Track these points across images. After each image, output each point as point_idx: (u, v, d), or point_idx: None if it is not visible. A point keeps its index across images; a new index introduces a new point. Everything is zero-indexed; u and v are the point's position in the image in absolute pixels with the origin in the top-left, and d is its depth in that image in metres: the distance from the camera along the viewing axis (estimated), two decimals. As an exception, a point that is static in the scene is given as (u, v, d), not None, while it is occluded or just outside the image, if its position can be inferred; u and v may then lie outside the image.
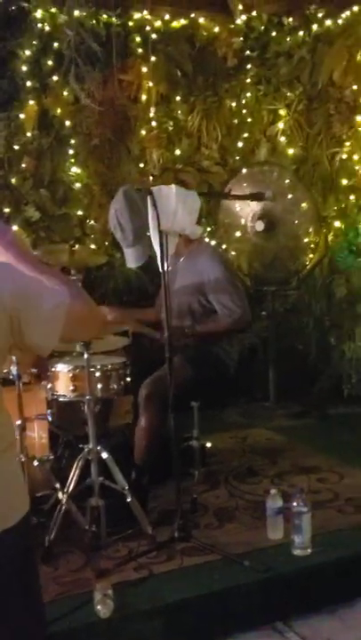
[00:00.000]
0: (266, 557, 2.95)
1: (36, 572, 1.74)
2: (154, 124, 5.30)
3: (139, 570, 2.93)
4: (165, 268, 2.94)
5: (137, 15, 5.25)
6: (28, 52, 4.80)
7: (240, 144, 5.59)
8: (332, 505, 3.49)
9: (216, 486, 3.79)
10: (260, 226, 5.19)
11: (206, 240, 5.03)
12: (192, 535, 3.06)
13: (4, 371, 3.32)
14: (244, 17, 5.58)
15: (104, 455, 3.18)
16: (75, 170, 5.06)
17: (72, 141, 5.03)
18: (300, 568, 2.90)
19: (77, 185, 5.06)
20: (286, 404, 5.25)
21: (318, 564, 2.92)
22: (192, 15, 5.46)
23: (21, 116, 4.84)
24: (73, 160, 5.05)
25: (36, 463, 3.29)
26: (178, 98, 5.39)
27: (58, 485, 3.24)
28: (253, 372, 5.45)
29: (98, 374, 3.31)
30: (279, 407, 5.23)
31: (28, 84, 4.82)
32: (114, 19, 5.15)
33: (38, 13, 4.87)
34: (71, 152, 5.03)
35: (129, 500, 3.14)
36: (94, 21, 5.08)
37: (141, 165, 5.29)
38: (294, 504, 2.99)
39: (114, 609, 2.59)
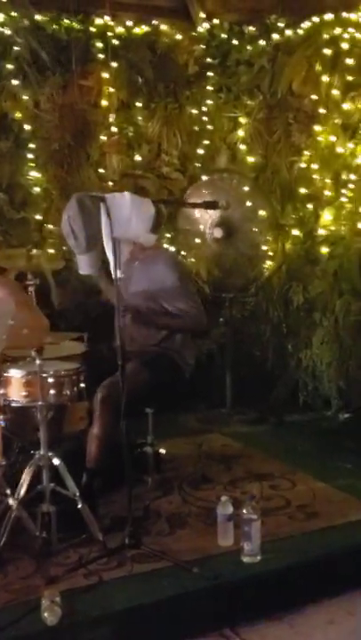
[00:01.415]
0: (215, 564, 2.96)
1: None
2: (114, 129, 5.30)
3: (89, 577, 2.91)
4: (118, 275, 2.94)
5: (99, 21, 5.25)
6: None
7: (200, 151, 5.63)
8: (284, 512, 3.52)
9: (169, 492, 3.79)
10: (218, 233, 5.22)
11: (165, 246, 5.06)
12: (142, 542, 3.06)
13: None
14: (205, 25, 5.62)
15: (55, 461, 3.17)
16: (34, 174, 5.03)
17: (31, 145, 5.01)
18: (249, 575, 2.91)
19: (36, 189, 5.04)
20: (243, 410, 5.28)
21: (267, 571, 2.94)
22: (154, 22, 5.49)
23: (-20, 119, 4.80)
24: (32, 164, 5.03)
25: (-15, 469, 3.25)
26: (138, 104, 5.40)
27: (8, 491, 3.21)
28: (211, 378, 5.47)
29: (51, 380, 3.29)
30: (236, 413, 5.26)
31: (-14, 86, 4.79)
32: (75, 24, 5.15)
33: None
34: (30, 156, 5.01)
35: (80, 506, 3.12)
36: (56, 26, 5.07)
37: (101, 171, 5.29)
38: (244, 511, 3.01)
39: (61, 616, 2.58)
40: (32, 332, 1.76)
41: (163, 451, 4.01)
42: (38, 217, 5.01)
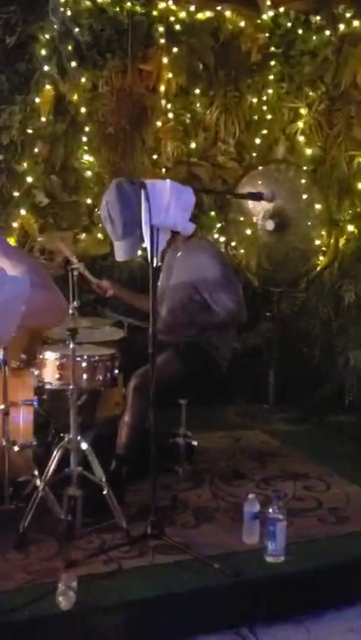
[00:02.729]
0: (237, 561, 2.91)
1: None
2: (171, 115, 5.25)
3: (108, 563, 2.90)
4: (155, 263, 2.91)
5: (162, 5, 5.20)
6: (47, 37, 4.76)
7: (258, 141, 5.52)
8: (314, 514, 3.43)
9: (200, 485, 3.74)
10: (270, 225, 5.12)
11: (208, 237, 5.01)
12: (165, 533, 3.03)
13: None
14: (271, 13, 5.49)
15: (83, 446, 3.16)
16: (87, 157, 5.03)
17: (86, 129, 5.01)
18: (271, 575, 2.85)
19: (89, 173, 5.03)
20: (285, 408, 5.18)
21: (290, 573, 2.87)
22: (218, 8, 5.39)
23: (37, 100, 4.81)
24: (86, 147, 5.03)
25: (16, 449, 3.27)
26: (197, 91, 5.33)
27: (36, 472, 3.23)
28: (255, 373, 5.40)
29: (84, 364, 3.28)
30: (278, 410, 5.17)
31: (46, 68, 4.78)
32: (137, 7, 5.10)
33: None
34: (85, 139, 5.01)
35: (105, 491, 3.11)
36: (117, 9, 5.04)
37: (155, 157, 5.25)
38: (270, 510, 2.94)
39: (75, 601, 2.57)
40: (48, 313, 1.72)
41: (195, 442, 3.96)
42: (89, 201, 5.00)
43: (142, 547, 3.01)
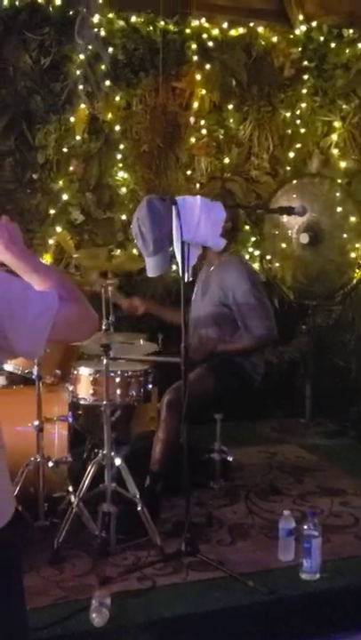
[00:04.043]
0: (272, 579, 2.89)
1: (19, 588, 1.69)
2: (204, 131, 5.27)
3: (142, 580, 2.90)
4: (186, 279, 2.92)
5: (195, 22, 5.24)
6: (82, 57, 4.83)
7: (292, 154, 5.51)
8: (351, 530, 3.38)
9: (235, 501, 3.72)
10: (304, 238, 5.10)
11: (242, 253, 5.01)
12: (200, 550, 3.02)
13: (27, 370, 3.37)
14: (303, 27, 5.50)
15: (117, 462, 3.17)
16: (121, 175, 5.08)
17: (121, 146, 5.05)
18: (306, 593, 2.82)
19: (123, 190, 5.07)
20: (322, 422, 5.13)
21: (325, 591, 2.83)
22: (251, 24, 5.42)
23: (72, 119, 4.88)
24: (120, 165, 5.07)
25: (51, 465, 3.30)
26: (230, 106, 5.34)
27: (71, 488, 3.25)
28: (291, 387, 5.37)
29: (118, 380, 3.30)
30: (315, 424, 5.12)
31: (80, 87, 4.85)
32: (170, 25, 5.16)
33: (95, 18, 4.90)
34: (119, 157, 5.05)
35: (139, 508, 3.11)
36: (150, 28, 5.10)
37: (189, 173, 5.27)
38: (305, 527, 2.91)
39: (109, 619, 2.57)
40: (77, 326, 1.72)
41: (230, 458, 3.94)
42: (123, 217, 5.04)
43: (177, 564, 3.01)
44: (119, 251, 4.91)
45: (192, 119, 5.23)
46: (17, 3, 4.67)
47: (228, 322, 3.65)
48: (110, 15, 4.99)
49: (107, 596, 2.66)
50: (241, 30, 5.39)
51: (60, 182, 4.89)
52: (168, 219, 2.95)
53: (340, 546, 3.19)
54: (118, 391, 3.30)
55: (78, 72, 4.85)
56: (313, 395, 5.20)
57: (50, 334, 1.59)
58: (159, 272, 3.26)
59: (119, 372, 3.30)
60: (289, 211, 3.24)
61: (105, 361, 3.12)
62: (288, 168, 5.51)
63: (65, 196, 4.90)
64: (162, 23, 5.12)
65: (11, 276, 1.63)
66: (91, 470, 3.17)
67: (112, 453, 3.18)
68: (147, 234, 3.11)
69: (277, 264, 5.40)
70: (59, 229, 4.91)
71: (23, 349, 1.61)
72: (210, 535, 3.32)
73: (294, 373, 5.42)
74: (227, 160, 5.37)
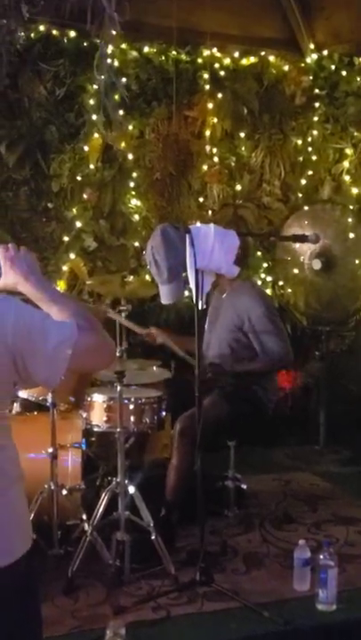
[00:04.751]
0: (288, 610, 2.85)
1: (37, 616, 1.69)
2: (216, 159, 5.32)
3: (157, 610, 2.88)
4: (200, 306, 2.93)
5: (206, 52, 5.31)
6: (95, 87, 4.90)
7: (303, 181, 5.55)
8: (367, 560, 3.35)
9: (250, 530, 3.69)
10: (316, 264, 5.11)
11: (254, 279, 5.03)
12: (214, 579, 3.00)
13: (41, 397, 3.37)
14: (314, 56, 5.57)
15: (131, 490, 3.16)
16: (135, 202, 5.12)
17: (134, 174, 5.11)
18: (322, 624, 2.78)
19: (136, 217, 5.12)
20: (336, 449, 5.10)
21: (341, 622, 2.80)
22: (262, 53, 5.49)
23: (86, 148, 4.94)
24: (133, 192, 5.12)
25: (64, 492, 3.29)
26: (242, 134, 5.40)
27: (84, 516, 3.24)
28: (305, 413, 5.35)
29: (131, 407, 3.30)
30: (328, 451, 5.08)
31: (94, 117, 4.92)
32: (183, 55, 5.23)
33: (109, 49, 4.97)
34: (132, 185, 5.10)
35: (153, 537, 3.09)
36: (163, 57, 5.18)
37: (201, 200, 5.32)
38: (321, 557, 2.88)
39: (123, 650, 2.54)
40: (96, 356, 1.74)
41: (244, 486, 3.92)
42: (136, 244, 5.08)
43: (191, 593, 2.98)
44: (132, 277, 4.93)
45: (204, 147, 5.28)
46: (32, 35, 4.75)
47: (244, 347, 3.65)
48: (123, 46, 5.07)
49: (121, 626, 2.63)
50: (252, 59, 5.47)
51: (74, 210, 4.95)
52: (182, 246, 2.97)
53: (356, 576, 3.16)
54: (132, 418, 3.30)
55: (92, 102, 4.92)
56: (327, 421, 5.17)
57: (69, 364, 1.60)
58: (174, 300, 3.28)
59: (133, 399, 3.30)
60: (302, 239, 3.26)
61: (119, 388, 3.13)
62: (300, 195, 5.54)
63: (79, 224, 4.95)
64: (174, 53, 5.20)
65: (29, 307, 1.64)
66: (104, 498, 3.16)
67: (126, 481, 3.17)
68: (161, 262, 3.13)
69: (290, 290, 5.41)
70: (72, 256, 4.95)
71: (42, 378, 1.62)
72: (224, 564, 3.29)
73: (308, 400, 5.40)
74: (239, 187, 5.41)
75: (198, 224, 3.30)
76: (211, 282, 3.16)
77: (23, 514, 1.71)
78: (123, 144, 5.06)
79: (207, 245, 2.94)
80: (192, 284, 2.96)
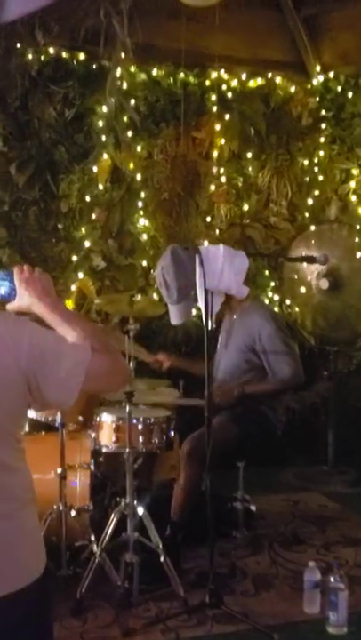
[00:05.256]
0: (298, 632, 2.84)
1: (50, 636, 1.68)
2: (223, 179, 5.36)
3: (166, 633, 2.86)
4: (210, 327, 2.94)
5: (214, 74, 5.36)
6: (104, 109, 4.95)
7: (310, 201, 5.57)
8: (377, 582, 3.32)
9: (259, 551, 3.67)
10: (324, 284, 5.12)
11: (262, 298, 5.04)
12: (224, 601, 2.98)
13: (49, 417, 3.38)
14: (321, 77, 5.61)
15: (140, 511, 3.15)
16: (143, 222, 5.15)
17: (142, 194, 5.14)
18: (333, 648, 2.76)
19: (144, 236, 5.15)
20: (345, 469, 5.07)
21: (352, 646, 2.77)
22: (269, 75, 5.54)
23: (95, 169, 4.98)
24: (142, 212, 5.15)
25: (73, 513, 3.28)
26: (249, 155, 5.44)
27: (93, 537, 3.22)
28: (313, 433, 5.32)
29: (140, 427, 3.29)
30: (337, 472, 5.06)
31: (103, 138, 4.96)
32: (191, 77, 5.28)
33: (117, 72, 5.03)
34: (140, 205, 5.14)
35: (162, 558, 3.08)
36: (171, 80, 5.23)
37: (208, 220, 5.35)
38: (331, 579, 2.86)
39: (132, 672, 2.53)
40: (109, 378, 1.74)
41: (253, 507, 3.90)
42: (145, 263, 5.11)
43: (201, 616, 2.96)
44: (140, 296, 4.95)
45: (212, 167, 5.32)
46: (42, 57, 4.80)
47: (255, 368, 3.64)
48: (132, 68, 5.12)
49: (130, 649, 2.62)
50: (259, 81, 5.52)
51: (83, 230, 4.98)
52: (192, 267, 2.98)
53: (367, 598, 3.13)
54: (141, 438, 3.29)
55: (101, 123, 4.96)
56: (335, 441, 5.15)
57: (82, 386, 1.60)
58: (183, 320, 3.29)
59: (142, 419, 3.30)
60: (311, 260, 3.27)
61: (128, 408, 3.13)
62: (307, 214, 5.56)
63: (87, 243, 4.98)
64: (182, 75, 5.25)
65: (43, 328, 1.65)
66: (113, 519, 3.14)
67: (134, 502, 3.16)
68: (171, 282, 3.14)
69: (297, 309, 5.42)
70: (81, 275, 4.97)
71: (55, 400, 1.63)
72: (233, 586, 3.27)
73: (316, 419, 5.38)
74: (246, 207, 5.45)
75: (207, 244, 3.31)
76: (220, 302, 3.17)
77: (36, 537, 1.70)
78: (131, 165, 5.11)
79: (217, 266, 2.95)
80: (201, 305, 2.97)
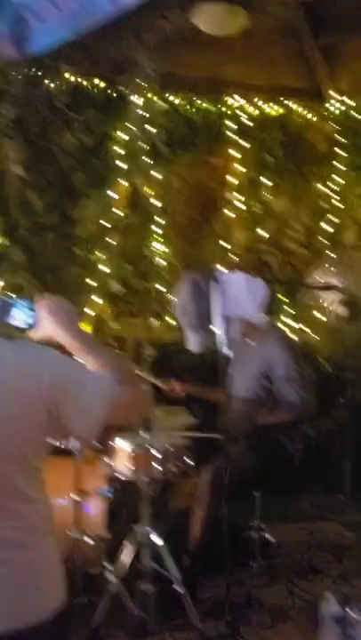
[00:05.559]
0: (316, 667, 2.78)
1: None
2: (240, 205, 5.38)
3: (181, 664, 2.82)
4: (227, 353, 2.93)
5: (230, 101, 5.41)
6: (123, 135, 4.99)
7: (327, 227, 5.58)
8: (396, 615, 3.26)
9: (275, 581, 3.63)
10: (341, 311, 5.09)
11: (278, 325, 5.02)
12: (240, 633, 2.94)
13: (64, 442, 3.36)
14: (337, 104, 5.65)
15: (155, 539, 3.11)
16: (159, 247, 5.17)
17: (159, 220, 5.17)
18: None
19: (161, 261, 5.16)
20: (362, 498, 5.01)
21: None
22: (286, 102, 5.58)
23: (112, 194, 5.01)
24: (158, 237, 5.18)
25: (88, 540, 3.25)
26: (266, 181, 5.46)
27: (108, 565, 3.19)
28: (329, 461, 5.27)
29: (157, 455, 3.27)
30: (354, 500, 4.99)
31: (121, 164, 5.00)
32: (209, 105, 5.33)
33: (136, 99, 5.08)
34: (157, 230, 5.16)
35: (178, 588, 3.04)
36: (189, 107, 5.28)
37: (225, 245, 5.36)
38: (350, 612, 2.81)
39: None
40: (132, 410, 1.73)
41: (269, 537, 3.85)
42: (161, 288, 5.11)
43: (216, 647, 2.92)
44: (156, 321, 4.97)
45: (228, 193, 5.35)
46: (63, 86, 4.86)
47: (269, 394, 3.62)
48: (150, 95, 5.17)
49: None
50: (276, 108, 5.56)
51: (100, 254, 5.00)
52: (210, 294, 2.98)
53: (386, 631, 3.07)
54: (157, 466, 3.26)
55: (119, 149, 5.01)
56: (352, 469, 5.09)
57: (106, 418, 1.59)
58: (202, 348, 3.28)
59: (159, 447, 3.27)
60: (333, 288, 3.26)
61: (144, 435, 3.11)
62: (324, 240, 5.56)
63: (104, 268, 5.00)
64: (200, 102, 5.30)
65: (66, 357, 1.63)
66: (128, 548, 3.11)
67: (150, 530, 3.13)
68: (190, 309, 3.15)
69: (314, 335, 5.39)
70: (97, 300, 4.98)
71: (77, 432, 1.61)
72: (250, 617, 3.22)
73: (332, 447, 5.33)
74: (262, 233, 5.45)
75: (225, 271, 3.31)
76: (238, 329, 3.16)
77: (55, 568, 1.68)
78: (148, 190, 5.14)
79: (235, 293, 2.95)
80: (219, 331, 2.97)
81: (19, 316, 1.75)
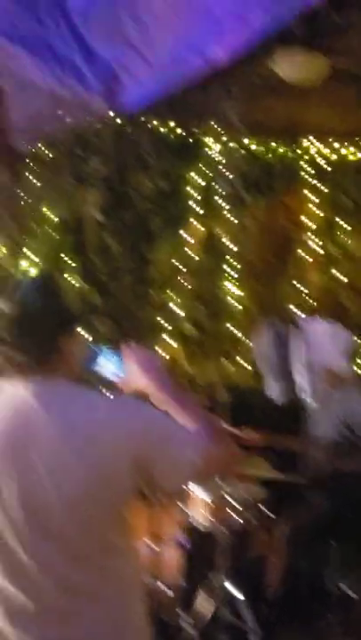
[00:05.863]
0: None
1: None
2: (316, 247, 5.35)
3: None
4: (309, 402, 2.89)
5: (306, 143, 5.42)
6: (197, 177, 5.05)
7: None
8: None
9: (354, 636, 3.49)
10: None
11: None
12: None
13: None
14: None
15: (235, 592, 3.05)
16: (233, 289, 5.18)
17: (233, 262, 5.18)
18: None
19: (234, 303, 5.16)
20: None
21: None
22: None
23: (187, 236, 5.06)
24: (232, 279, 5.18)
25: (162, 587, 3.22)
26: (343, 223, 5.42)
27: (182, 613, 3.14)
28: None
29: (234, 504, 3.22)
30: None
31: (196, 207, 5.05)
32: (284, 148, 5.35)
33: (210, 142, 5.14)
34: (231, 272, 5.17)
35: (255, 640, 2.98)
36: (265, 150, 5.31)
37: (300, 288, 5.32)
38: None
39: None
40: (220, 467, 1.71)
41: (347, 588, 3.72)
42: (235, 331, 5.10)
43: None
44: (229, 363, 4.95)
45: (304, 235, 5.33)
46: (141, 134, 4.96)
47: (347, 444, 3.54)
48: (226, 139, 5.22)
49: None
50: (353, 151, 5.52)
51: (174, 296, 5.03)
52: (290, 340, 2.96)
53: None
54: (235, 516, 3.21)
55: (194, 192, 5.06)
56: None
57: (195, 474, 1.58)
58: (283, 398, 3.24)
59: (236, 497, 3.23)
60: None
61: (224, 486, 3.07)
62: None
63: (178, 310, 5.02)
64: (276, 146, 5.32)
65: (158, 412, 1.63)
66: (203, 596, 3.07)
67: (226, 580, 3.08)
68: (270, 357, 3.13)
69: None
70: (171, 341, 5.00)
71: (167, 487, 1.63)
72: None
73: None
74: (339, 275, 5.39)
75: (304, 316, 3.28)
76: (321, 378, 3.11)
77: (141, 622, 1.68)
78: (223, 232, 5.16)
79: (318, 339, 2.92)
80: (301, 379, 2.93)
81: (106, 366, 1.75)
